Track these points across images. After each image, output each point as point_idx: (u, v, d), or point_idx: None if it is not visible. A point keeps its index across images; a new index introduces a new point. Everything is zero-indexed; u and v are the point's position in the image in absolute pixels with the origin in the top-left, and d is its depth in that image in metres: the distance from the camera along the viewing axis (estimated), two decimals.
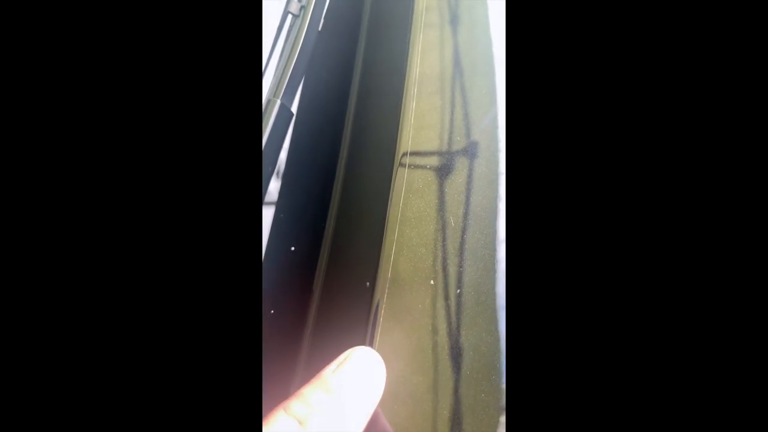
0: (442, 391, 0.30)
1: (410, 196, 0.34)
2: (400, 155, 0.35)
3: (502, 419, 0.29)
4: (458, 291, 0.32)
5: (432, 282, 0.32)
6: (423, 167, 0.35)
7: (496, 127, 0.36)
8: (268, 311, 0.32)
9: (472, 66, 0.39)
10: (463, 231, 0.33)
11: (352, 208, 0.37)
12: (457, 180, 0.35)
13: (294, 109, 0.35)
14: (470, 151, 0.36)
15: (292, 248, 0.36)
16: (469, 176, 0.35)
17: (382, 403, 0.28)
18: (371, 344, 0.30)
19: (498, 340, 0.31)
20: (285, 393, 0.31)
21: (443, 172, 0.35)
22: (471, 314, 0.31)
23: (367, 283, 0.32)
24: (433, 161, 0.35)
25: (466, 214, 0.34)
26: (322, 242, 0.35)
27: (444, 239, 0.33)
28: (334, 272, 0.36)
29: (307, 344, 0.33)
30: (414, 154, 0.35)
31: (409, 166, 0.35)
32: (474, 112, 0.37)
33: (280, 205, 0.37)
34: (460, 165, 0.35)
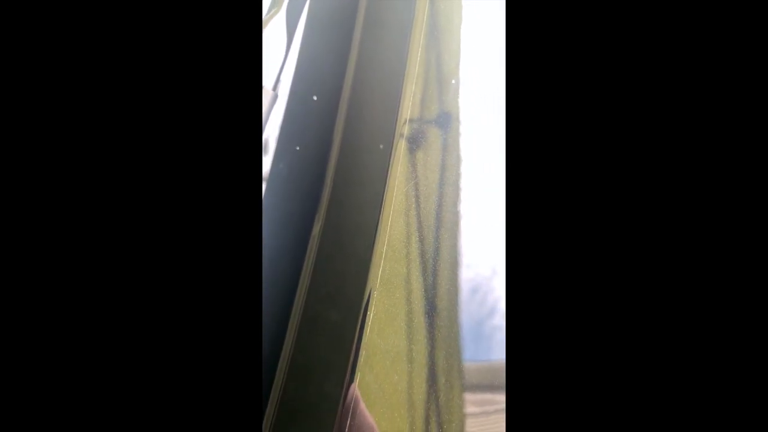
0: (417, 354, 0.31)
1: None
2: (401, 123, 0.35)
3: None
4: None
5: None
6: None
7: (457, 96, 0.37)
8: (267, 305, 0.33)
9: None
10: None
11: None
12: (430, 150, 0.36)
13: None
14: (441, 121, 0.36)
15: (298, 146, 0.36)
16: (444, 147, 0.36)
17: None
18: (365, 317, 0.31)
19: (456, 295, 0.33)
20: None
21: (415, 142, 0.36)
22: (444, 278, 0.33)
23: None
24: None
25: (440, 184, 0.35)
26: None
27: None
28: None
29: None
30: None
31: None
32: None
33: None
34: (433, 135, 0.36)
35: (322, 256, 0.32)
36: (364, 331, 0.31)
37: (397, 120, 0.35)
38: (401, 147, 0.35)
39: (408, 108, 0.35)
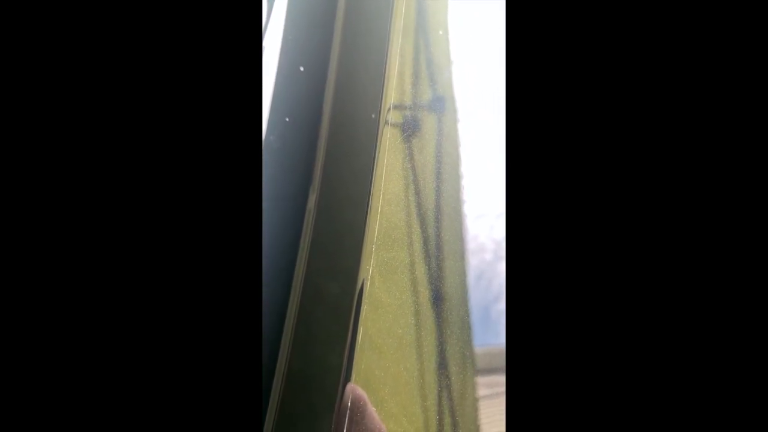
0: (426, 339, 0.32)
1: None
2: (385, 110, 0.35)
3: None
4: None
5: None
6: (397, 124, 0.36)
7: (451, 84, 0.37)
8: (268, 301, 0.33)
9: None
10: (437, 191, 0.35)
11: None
12: (424, 136, 0.36)
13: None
14: (435, 105, 0.36)
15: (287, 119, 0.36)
16: (438, 132, 0.36)
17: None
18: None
19: (465, 282, 0.34)
20: None
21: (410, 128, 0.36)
22: (448, 264, 0.34)
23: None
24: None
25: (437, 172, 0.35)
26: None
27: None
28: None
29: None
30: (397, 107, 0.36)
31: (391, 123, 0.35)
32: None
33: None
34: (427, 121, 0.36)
35: (319, 229, 0.33)
36: (362, 306, 0.31)
37: (384, 88, 0.35)
38: (392, 118, 0.35)
39: (395, 76, 0.35)
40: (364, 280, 0.31)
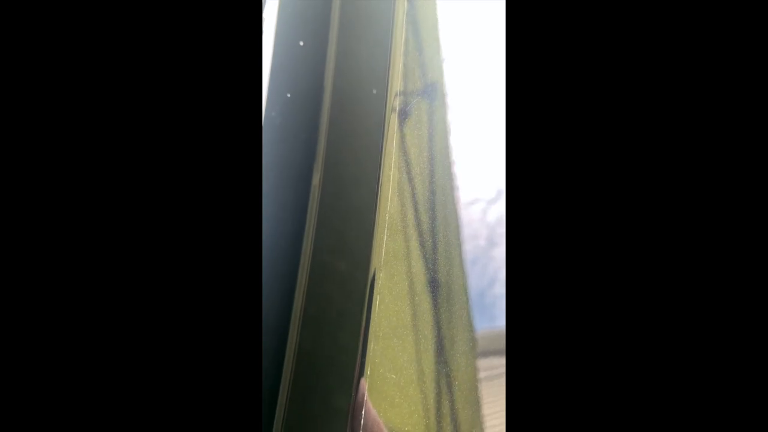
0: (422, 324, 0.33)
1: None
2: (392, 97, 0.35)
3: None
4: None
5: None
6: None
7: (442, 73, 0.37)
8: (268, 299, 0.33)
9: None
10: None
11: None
12: (417, 123, 0.36)
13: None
14: (428, 92, 0.36)
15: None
16: (430, 119, 0.36)
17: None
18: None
19: (463, 270, 0.34)
20: None
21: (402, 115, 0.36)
22: (442, 250, 0.34)
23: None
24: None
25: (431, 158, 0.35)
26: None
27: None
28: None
29: None
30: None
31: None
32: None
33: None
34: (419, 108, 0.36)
35: (325, 206, 0.32)
36: (376, 282, 0.32)
37: (390, 68, 0.34)
38: (395, 106, 0.34)
39: (400, 58, 0.35)
40: (375, 269, 0.32)
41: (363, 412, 0.30)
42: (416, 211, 0.34)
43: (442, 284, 0.33)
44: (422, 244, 0.34)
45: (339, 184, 0.33)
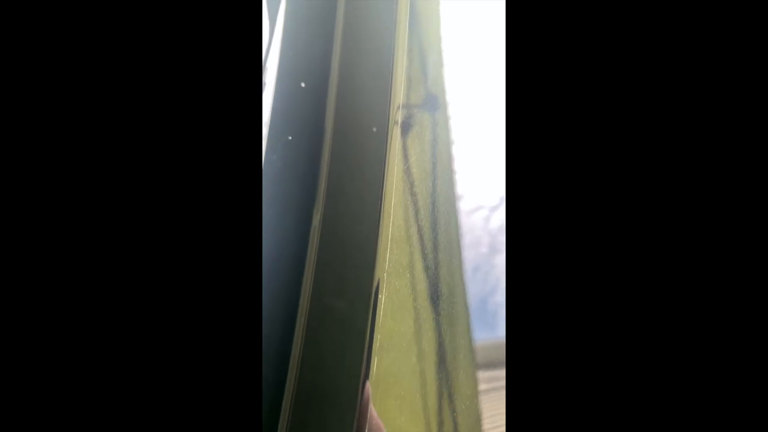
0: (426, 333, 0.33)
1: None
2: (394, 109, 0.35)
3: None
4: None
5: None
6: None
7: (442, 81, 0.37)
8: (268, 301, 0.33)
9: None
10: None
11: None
12: (420, 134, 0.36)
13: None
14: (429, 104, 0.37)
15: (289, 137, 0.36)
16: (433, 130, 0.36)
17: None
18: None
19: (462, 280, 0.34)
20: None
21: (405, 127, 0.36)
22: (444, 260, 0.34)
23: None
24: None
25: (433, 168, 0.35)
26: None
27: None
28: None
29: None
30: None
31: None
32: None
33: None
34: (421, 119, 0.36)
35: (325, 246, 0.33)
36: (377, 316, 0.31)
37: (391, 102, 0.35)
38: (396, 131, 0.35)
39: (401, 90, 0.35)
40: (379, 280, 0.31)
41: (366, 425, 0.30)
42: (418, 221, 0.34)
43: (444, 296, 0.33)
44: (424, 257, 0.34)
45: (340, 222, 0.33)
